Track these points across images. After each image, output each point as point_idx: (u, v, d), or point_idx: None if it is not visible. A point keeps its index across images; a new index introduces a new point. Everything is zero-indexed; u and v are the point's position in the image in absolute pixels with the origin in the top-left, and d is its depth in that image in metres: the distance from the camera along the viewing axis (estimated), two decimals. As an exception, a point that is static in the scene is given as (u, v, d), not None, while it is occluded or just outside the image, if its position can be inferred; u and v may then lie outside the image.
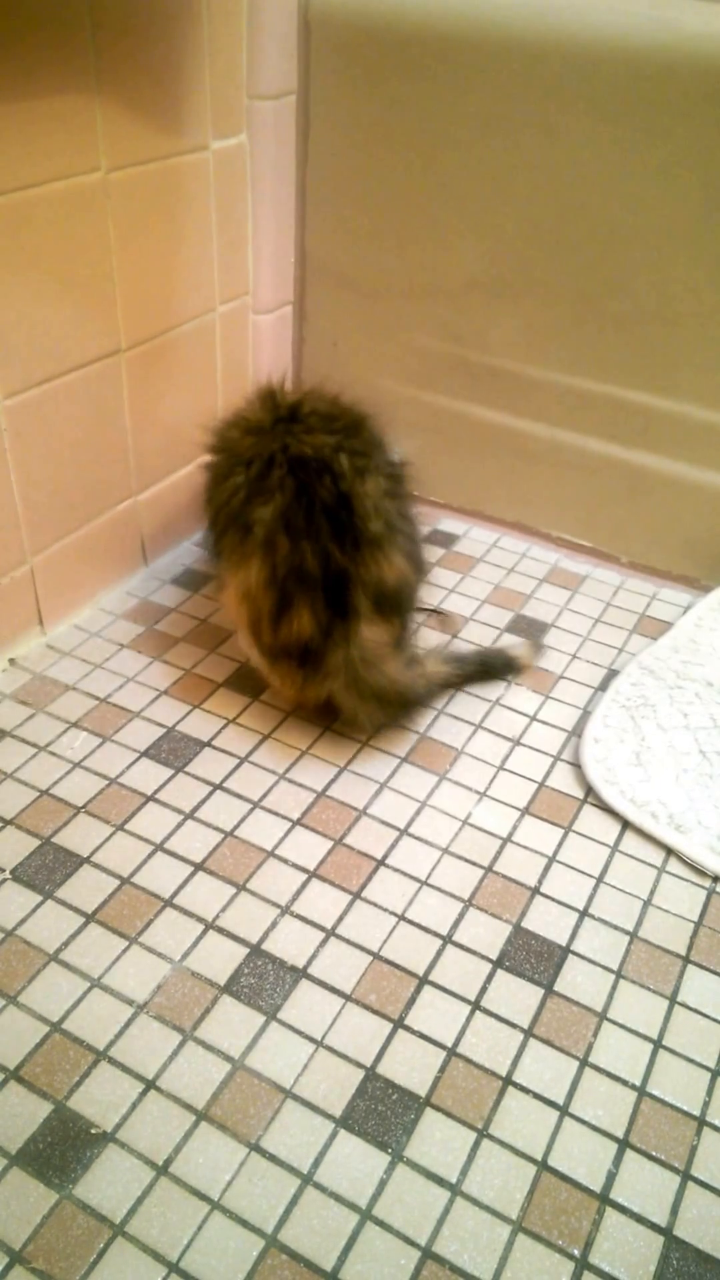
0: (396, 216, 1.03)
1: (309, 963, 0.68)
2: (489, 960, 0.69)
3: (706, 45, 0.83)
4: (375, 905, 0.73)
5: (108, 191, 0.83)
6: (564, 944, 0.71)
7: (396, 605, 0.79)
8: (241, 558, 0.77)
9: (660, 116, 0.87)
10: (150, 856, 0.75)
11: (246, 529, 0.76)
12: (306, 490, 0.74)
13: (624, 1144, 0.60)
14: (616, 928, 0.72)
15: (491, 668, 0.94)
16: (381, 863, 0.76)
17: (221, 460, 0.81)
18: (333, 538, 0.75)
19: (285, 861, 0.75)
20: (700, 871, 0.77)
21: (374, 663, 0.78)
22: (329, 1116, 0.60)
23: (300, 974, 0.67)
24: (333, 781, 0.82)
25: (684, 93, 0.85)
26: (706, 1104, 0.62)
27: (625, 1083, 0.63)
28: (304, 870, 0.75)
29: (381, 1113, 0.60)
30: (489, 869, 0.76)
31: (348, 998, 0.66)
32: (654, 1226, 0.56)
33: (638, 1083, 0.63)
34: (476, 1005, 0.66)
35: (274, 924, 0.71)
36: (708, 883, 0.76)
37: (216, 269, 1.01)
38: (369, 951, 0.69)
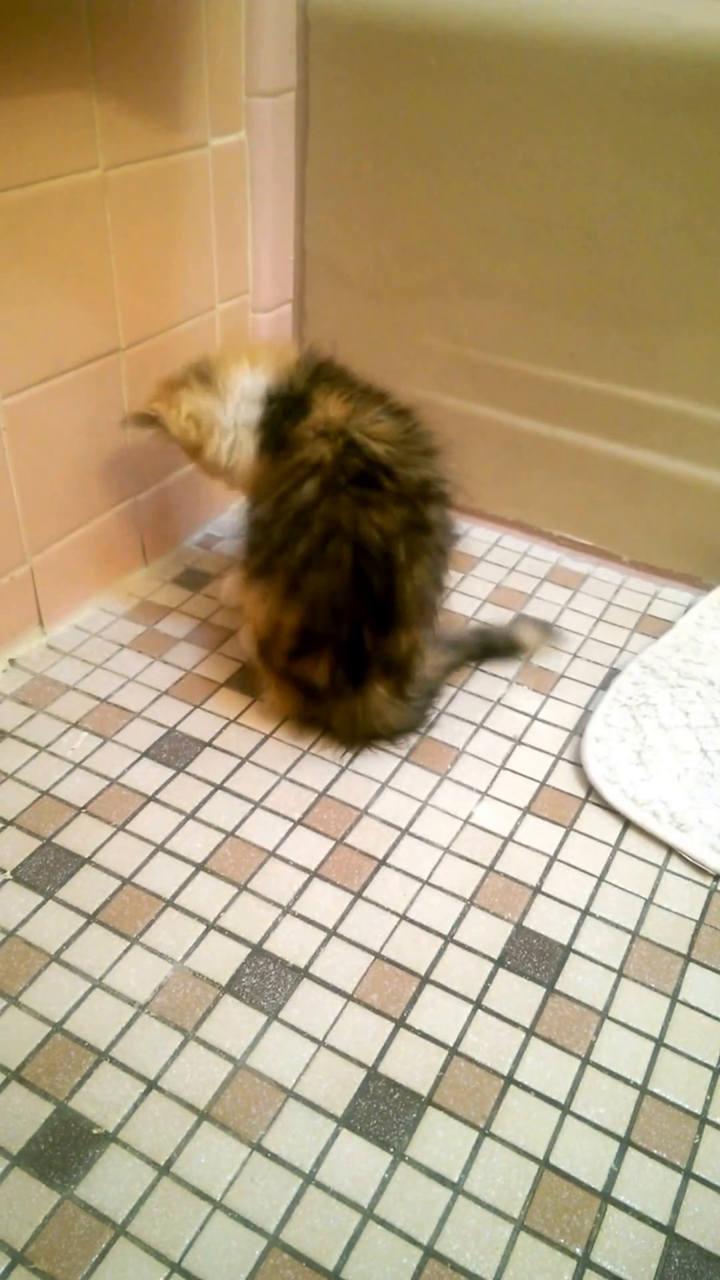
0: (396, 214, 1.03)
1: (310, 962, 0.68)
2: (490, 959, 0.69)
3: (705, 42, 0.83)
4: (377, 905, 0.72)
5: (106, 189, 0.83)
6: (565, 943, 0.71)
7: (404, 669, 0.82)
8: (280, 598, 0.77)
9: (660, 114, 0.87)
10: (151, 857, 0.75)
11: (295, 585, 0.76)
12: (362, 574, 0.75)
13: (626, 1142, 0.60)
14: (618, 926, 0.72)
15: (494, 647, 0.96)
16: (383, 862, 0.76)
17: (286, 489, 0.76)
18: (369, 619, 0.76)
19: (286, 861, 0.75)
20: (701, 870, 0.77)
21: (375, 714, 0.83)
22: (331, 1116, 0.60)
23: (302, 974, 0.67)
24: (334, 781, 0.82)
25: (683, 90, 0.85)
26: (708, 1102, 0.62)
27: (627, 1081, 0.63)
28: (305, 870, 0.75)
29: (383, 1112, 0.60)
30: (490, 868, 0.76)
31: (349, 997, 0.66)
32: (656, 1224, 0.56)
33: (639, 1081, 0.63)
34: (478, 1004, 0.66)
35: (275, 924, 0.71)
36: (709, 881, 0.76)
37: (216, 267, 1.00)
38: (370, 951, 0.69)
